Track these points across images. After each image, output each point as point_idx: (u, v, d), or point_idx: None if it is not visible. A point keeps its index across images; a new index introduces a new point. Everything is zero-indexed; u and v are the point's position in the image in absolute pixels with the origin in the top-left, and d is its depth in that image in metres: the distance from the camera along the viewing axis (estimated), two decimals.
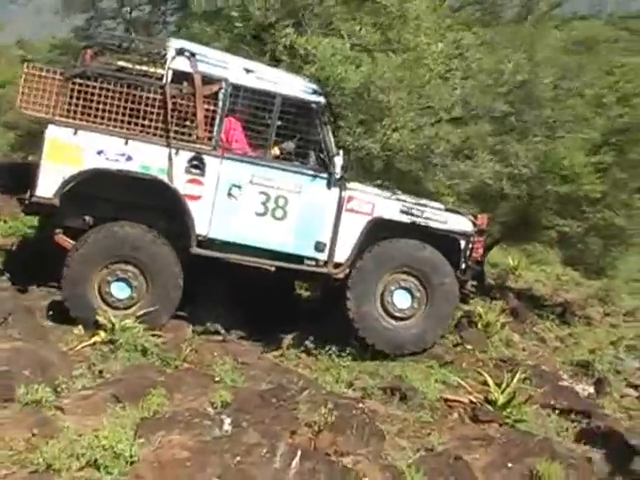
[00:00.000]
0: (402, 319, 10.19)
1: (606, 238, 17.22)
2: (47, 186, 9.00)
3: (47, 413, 6.51)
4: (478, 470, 6.69)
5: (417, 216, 10.27)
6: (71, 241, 9.34)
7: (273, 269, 10.09)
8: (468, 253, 10.52)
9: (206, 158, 9.45)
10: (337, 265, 10.00)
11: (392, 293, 10.17)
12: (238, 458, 5.65)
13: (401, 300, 10.19)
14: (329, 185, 9.87)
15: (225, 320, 10.23)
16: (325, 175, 9.87)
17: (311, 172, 9.89)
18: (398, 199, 10.42)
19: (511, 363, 10.18)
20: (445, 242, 10.40)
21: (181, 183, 9.37)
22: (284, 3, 12.26)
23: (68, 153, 9.05)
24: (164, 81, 9.36)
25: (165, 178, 9.31)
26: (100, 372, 7.79)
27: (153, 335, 8.86)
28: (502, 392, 8.81)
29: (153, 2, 16.46)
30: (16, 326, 8.67)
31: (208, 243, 9.63)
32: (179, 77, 9.44)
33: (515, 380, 8.99)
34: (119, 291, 9.32)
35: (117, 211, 9.41)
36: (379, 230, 10.13)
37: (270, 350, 9.76)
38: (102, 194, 9.37)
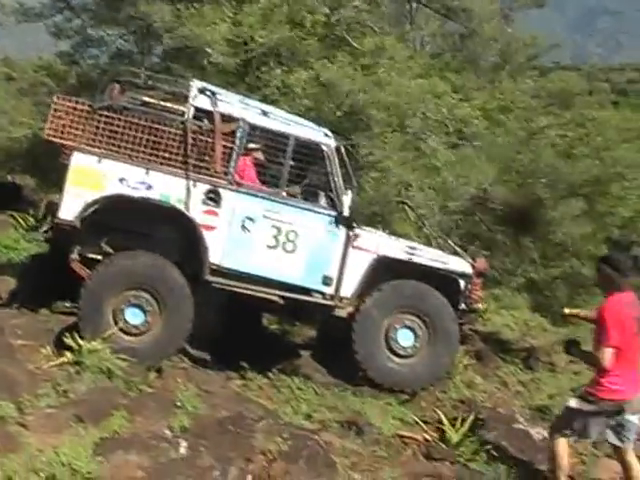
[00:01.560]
0: (404, 357, 10.59)
1: (573, 286, 17.53)
2: (70, 209, 9.31)
3: (10, 429, 6.66)
4: None
5: (420, 256, 10.72)
6: (87, 270, 9.57)
7: (281, 301, 10.30)
8: (467, 295, 10.91)
9: (222, 191, 9.84)
10: (343, 299, 10.37)
11: (396, 331, 10.53)
12: None
13: (404, 339, 10.57)
14: (337, 223, 10.27)
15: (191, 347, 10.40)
16: (333, 213, 10.27)
17: (320, 210, 10.31)
18: (401, 241, 11.15)
19: (469, 404, 10.36)
20: (445, 283, 10.80)
21: (197, 213, 9.73)
22: (261, 43, 12.65)
23: (91, 179, 9.41)
24: (185, 117, 9.82)
25: (183, 207, 9.64)
26: (65, 392, 7.89)
27: (119, 358, 9.04)
28: (456, 431, 9.05)
29: (138, 34, 16.75)
30: None
31: (220, 272, 9.91)
32: (200, 114, 9.92)
33: (469, 420, 9.23)
34: (133, 317, 9.55)
35: (133, 240, 9.72)
36: (383, 268, 10.53)
37: (233, 379, 9.91)
38: (120, 223, 9.70)
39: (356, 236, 10.38)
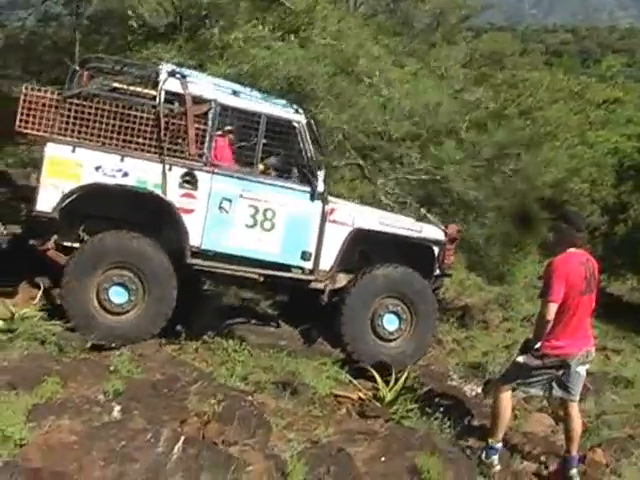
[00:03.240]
0: (390, 340, 10.83)
1: (505, 246, 17.83)
2: (47, 201, 9.22)
3: None
4: (360, 462, 6.89)
5: (394, 226, 10.91)
6: (63, 256, 9.54)
7: (261, 279, 10.38)
8: (441, 261, 11.16)
9: (198, 174, 9.82)
10: (321, 273, 10.50)
11: (382, 316, 10.76)
12: (123, 443, 5.85)
13: (390, 323, 10.82)
14: (312, 198, 10.34)
15: None
16: (308, 189, 10.32)
17: (295, 186, 10.34)
18: (375, 211, 11.42)
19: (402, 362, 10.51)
20: (420, 250, 11.06)
21: (175, 197, 9.70)
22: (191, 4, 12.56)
23: (67, 169, 9.31)
24: (157, 101, 9.73)
25: (160, 192, 9.60)
26: None
27: (54, 325, 9.01)
28: (390, 390, 9.20)
29: None
30: None
31: (200, 254, 9.96)
32: (171, 98, 9.83)
33: (403, 379, 9.39)
34: (117, 296, 9.54)
35: (113, 227, 9.66)
36: (359, 240, 10.72)
37: (169, 343, 9.93)
38: (98, 211, 9.74)
39: (332, 210, 10.50)
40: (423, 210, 13.45)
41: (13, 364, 7.68)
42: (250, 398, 7.74)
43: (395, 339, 10.85)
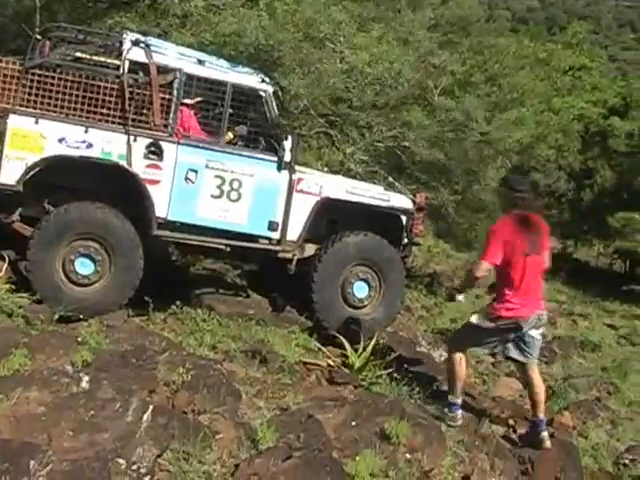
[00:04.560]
0: (359, 308, 10.90)
1: (473, 212, 17.88)
2: (10, 173, 9.12)
3: None
4: (330, 428, 6.94)
5: (362, 195, 10.89)
6: (29, 228, 9.44)
7: (228, 249, 10.33)
8: (409, 230, 11.20)
9: (163, 144, 9.72)
10: (289, 243, 10.49)
11: (352, 284, 10.82)
12: (92, 412, 5.86)
13: (360, 291, 10.90)
14: (279, 168, 10.28)
15: None
16: (275, 158, 10.26)
17: (262, 156, 10.28)
18: (343, 180, 11.41)
19: (371, 330, 10.56)
20: (388, 219, 11.12)
21: (140, 168, 9.62)
22: None
23: (30, 141, 9.19)
24: (121, 71, 9.59)
25: (125, 163, 9.52)
26: None
27: (21, 297, 8.96)
28: (359, 356, 9.25)
29: None
30: None
31: (167, 226, 9.90)
32: (135, 67, 9.70)
33: (372, 345, 9.44)
34: (83, 267, 9.48)
35: (78, 198, 9.54)
36: (327, 209, 10.70)
37: (137, 314, 9.91)
38: (63, 182, 9.58)
39: (299, 180, 10.46)
40: (391, 178, 13.40)
41: None
42: (219, 367, 7.75)
43: (365, 306, 10.90)
